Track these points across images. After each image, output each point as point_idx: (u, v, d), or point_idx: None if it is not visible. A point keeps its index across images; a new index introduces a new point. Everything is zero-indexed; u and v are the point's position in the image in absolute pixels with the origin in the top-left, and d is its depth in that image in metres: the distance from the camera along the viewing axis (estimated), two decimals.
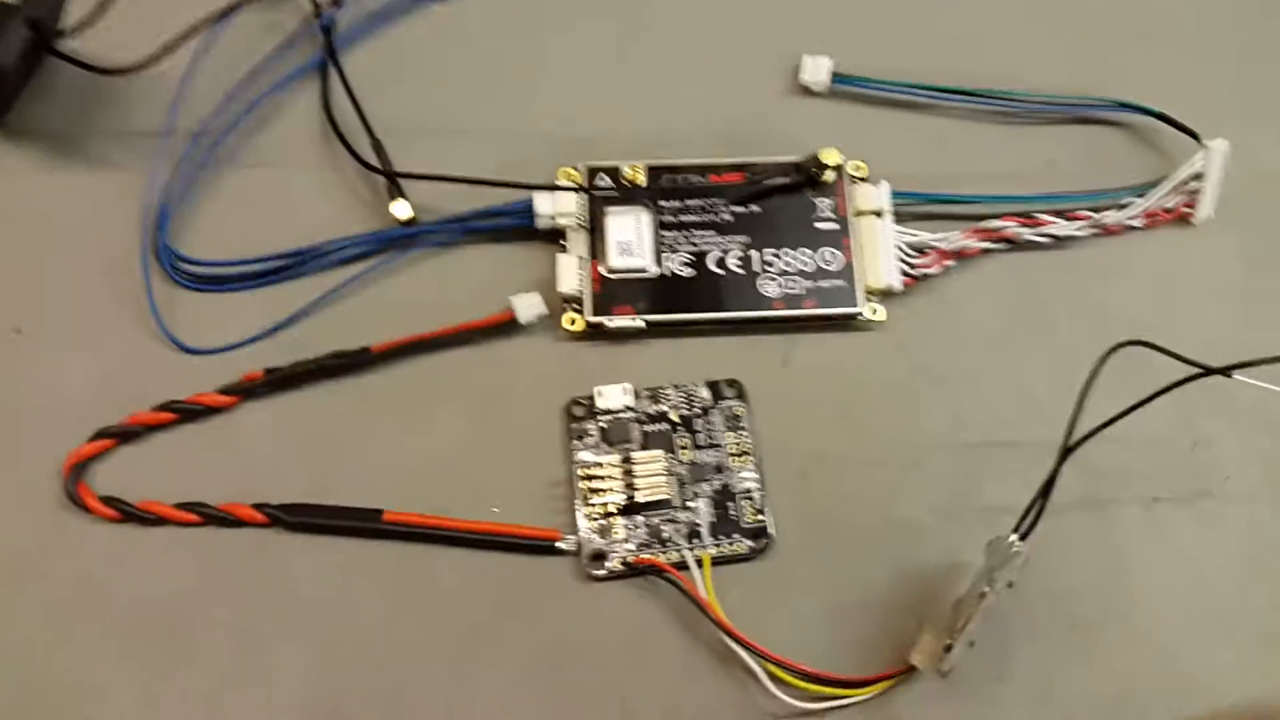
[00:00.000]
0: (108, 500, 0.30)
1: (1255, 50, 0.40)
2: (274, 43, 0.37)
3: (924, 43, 0.39)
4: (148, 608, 0.29)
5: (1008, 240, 0.35)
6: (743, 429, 0.32)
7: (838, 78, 0.37)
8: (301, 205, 0.35)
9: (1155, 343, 0.28)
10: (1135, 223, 0.35)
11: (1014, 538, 0.28)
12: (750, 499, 0.31)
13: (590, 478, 0.31)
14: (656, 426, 0.32)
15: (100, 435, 0.31)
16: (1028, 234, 0.35)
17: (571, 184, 0.34)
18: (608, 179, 0.34)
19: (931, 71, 0.38)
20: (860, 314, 0.33)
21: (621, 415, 0.32)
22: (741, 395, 0.33)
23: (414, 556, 0.30)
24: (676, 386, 0.33)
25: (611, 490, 0.31)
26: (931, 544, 0.31)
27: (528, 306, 0.33)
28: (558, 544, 0.30)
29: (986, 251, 0.35)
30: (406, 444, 0.32)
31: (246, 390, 0.32)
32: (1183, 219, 0.36)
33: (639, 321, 0.33)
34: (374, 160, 0.34)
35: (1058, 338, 0.34)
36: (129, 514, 0.30)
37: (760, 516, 0.31)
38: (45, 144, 0.35)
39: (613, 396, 0.32)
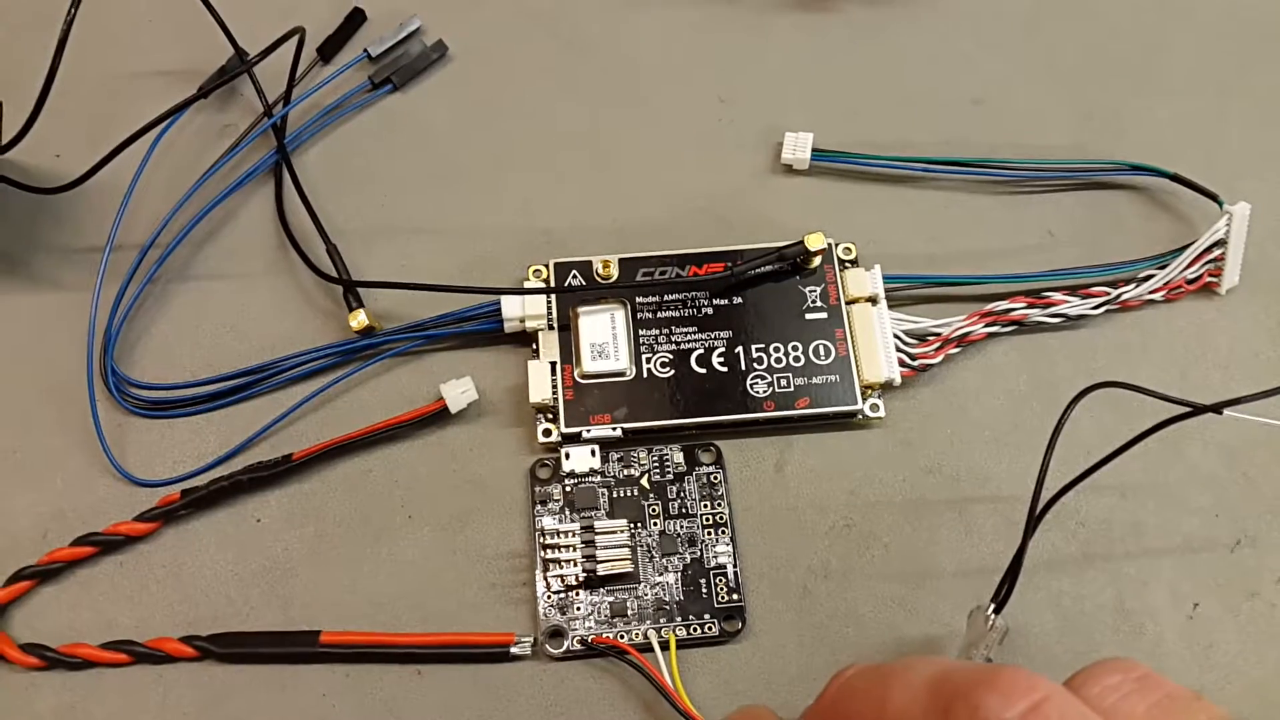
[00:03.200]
0: (29, 648, 0.28)
1: (1269, 102, 0.37)
2: (223, 146, 0.35)
3: (913, 111, 0.36)
4: None
5: (1016, 323, 0.32)
6: (719, 498, 0.30)
7: (819, 154, 0.34)
8: (257, 318, 0.33)
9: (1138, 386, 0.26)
10: (1155, 296, 0.33)
11: (991, 608, 0.26)
12: (724, 575, 0.29)
13: (551, 547, 0.29)
14: (625, 491, 0.30)
15: (16, 577, 0.29)
16: (1038, 315, 0.32)
17: (540, 284, 0.32)
18: (579, 276, 0.32)
19: (920, 144, 0.35)
20: (859, 412, 0.31)
21: (588, 480, 0.30)
22: (719, 461, 0.31)
23: (358, 676, 0.28)
24: (649, 450, 0.31)
25: (574, 562, 0.29)
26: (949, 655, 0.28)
27: (460, 394, 0.31)
28: (512, 648, 0.28)
29: (992, 336, 0.32)
30: (345, 553, 0.30)
31: (165, 515, 0.30)
32: (1206, 289, 0.33)
33: (617, 431, 0.30)
34: (330, 267, 0.32)
35: (1078, 428, 0.31)
36: (53, 660, 0.28)
37: (735, 596, 0.29)
38: None
39: (580, 459, 0.30)
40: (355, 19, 0.36)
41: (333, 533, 0.30)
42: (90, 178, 0.32)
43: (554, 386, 0.31)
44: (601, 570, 0.29)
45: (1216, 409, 0.26)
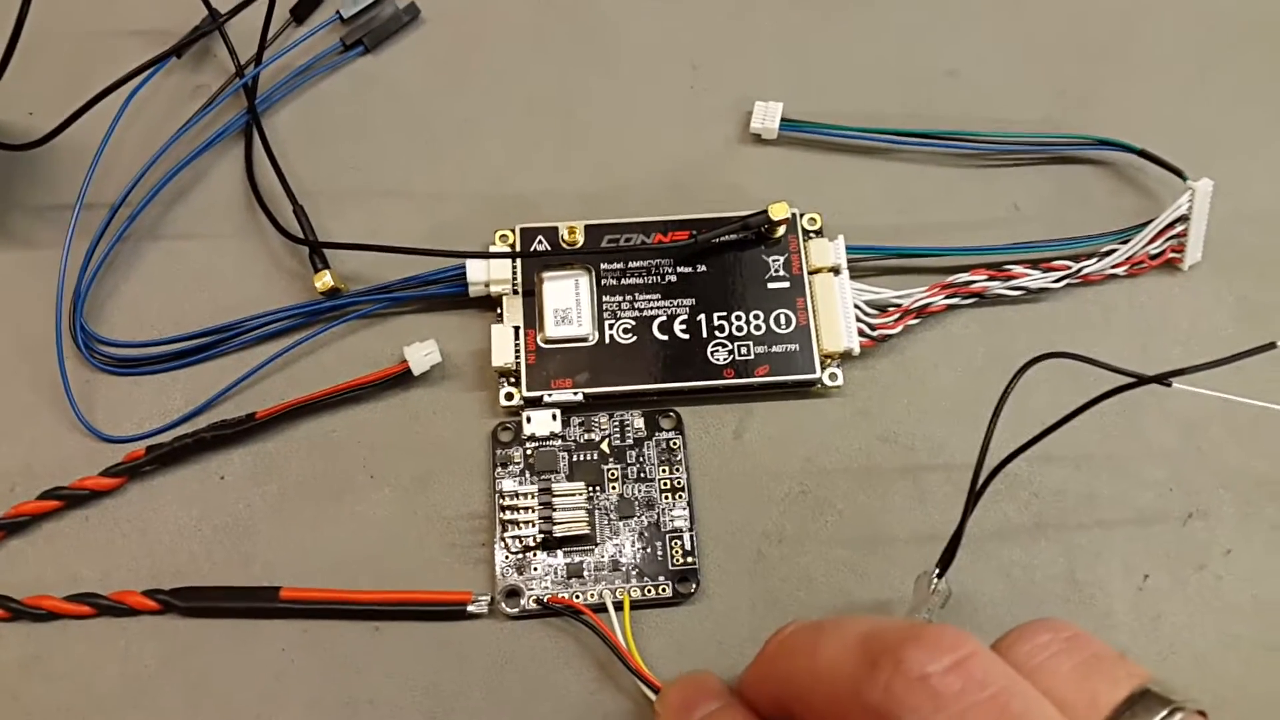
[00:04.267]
0: None
1: (1240, 82, 0.37)
2: (195, 105, 0.35)
3: (884, 84, 0.36)
4: (45, 708, 0.28)
5: (976, 295, 0.32)
6: (678, 463, 0.31)
7: (787, 123, 0.34)
8: (224, 278, 0.33)
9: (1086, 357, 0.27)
10: (1118, 271, 0.33)
11: (935, 572, 0.27)
12: (679, 539, 0.30)
13: (510, 508, 0.30)
14: (585, 455, 0.31)
15: None
16: (998, 287, 0.32)
17: (505, 249, 0.32)
18: (544, 241, 0.33)
19: (893, 115, 0.35)
20: (818, 381, 0.31)
21: (549, 443, 0.31)
22: (678, 427, 0.31)
23: (317, 631, 0.29)
24: (610, 415, 0.31)
25: (531, 524, 0.29)
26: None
27: (421, 356, 0.31)
28: (469, 607, 0.29)
29: (952, 308, 0.32)
30: (306, 512, 0.30)
31: (130, 470, 0.30)
32: (1168, 264, 0.33)
33: (578, 395, 0.31)
34: (297, 229, 0.33)
35: (1033, 399, 0.31)
36: (18, 612, 0.29)
37: (689, 559, 0.29)
38: None
39: (541, 422, 0.31)
40: None
41: (295, 491, 0.30)
42: (60, 133, 0.32)
43: (516, 351, 0.31)
44: (558, 532, 0.29)
45: (1163, 380, 0.26)
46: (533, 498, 0.30)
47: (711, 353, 0.31)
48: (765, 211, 0.32)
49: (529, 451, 0.31)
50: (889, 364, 0.32)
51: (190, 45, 0.34)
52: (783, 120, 0.34)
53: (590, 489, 0.30)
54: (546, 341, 0.31)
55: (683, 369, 0.31)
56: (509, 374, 0.31)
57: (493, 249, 0.32)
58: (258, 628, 0.29)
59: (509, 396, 0.31)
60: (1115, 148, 0.34)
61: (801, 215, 0.33)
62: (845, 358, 0.32)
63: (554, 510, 0.30)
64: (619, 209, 0.34)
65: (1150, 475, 0.31)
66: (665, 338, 0.32)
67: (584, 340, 0.31)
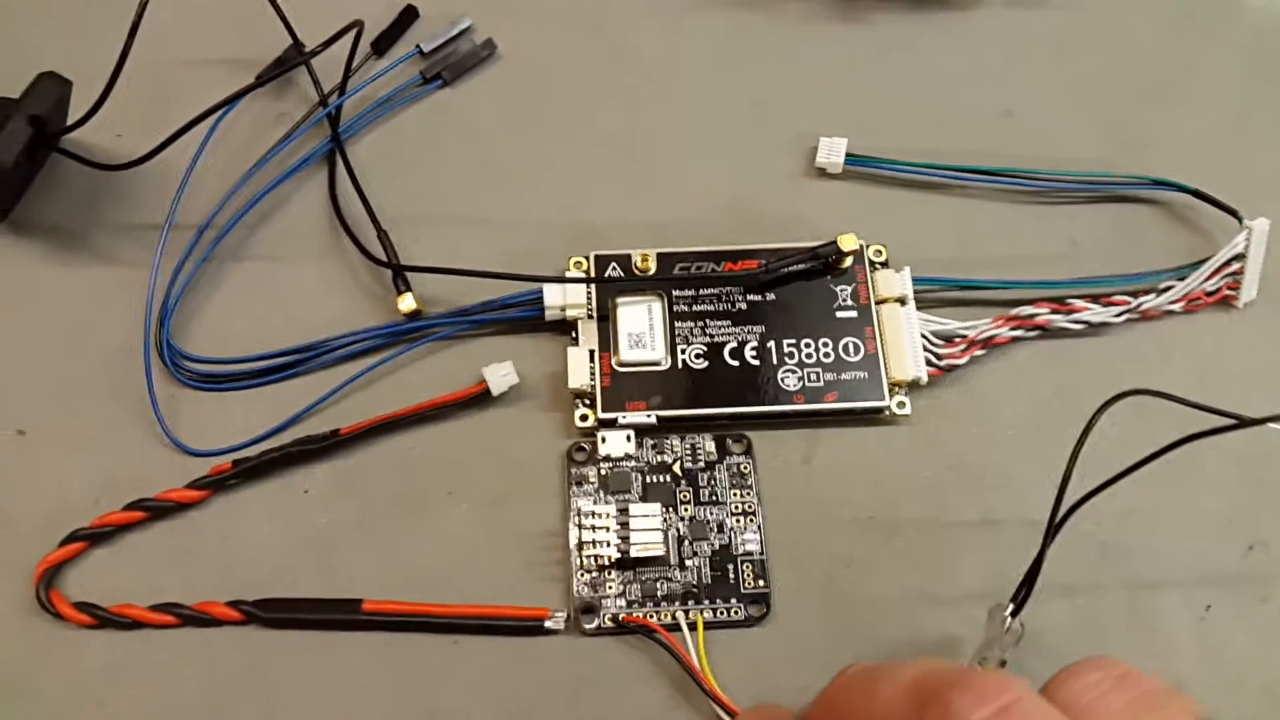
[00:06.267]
0: (81, 606, 0.29)
1: None
2: (279, 132, 0.36)
3: (941, 123, 0.38)
4: (129, 715, 0.28)
5: (1040, 328, 0.33)
6: (748, 487, 0.31)
7: (852, 158, 0.36)
8: (307, 299, 0.34)
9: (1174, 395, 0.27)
10: (1174, 307, 0.34)
11: (1009, 609, 0.27)
12: (751, 562, 0.30)
13: (586, 527, 0.30)
14: (658, 477, 0.31)
15: (71, 538, 0.30)
16: (1061, 320, 0.33)
17: (580, 275, 0.33)
18: (618, 268, 0.34)
19: (950, 152, 0.36)
20: (886, 408, 0.32)
21: (623, 464, 0.31)
22: (749, 451, 0.32)
23: (397, 644, 0.29)
24: (682, 438, 0.32)
25: (607, 543, 0.30)
26: (966, 651, 0.29)
27: (500, 377, 0.32)
28: (546, 623, 0.29)
29: (1016, 340, 0.33)
30: (387, 526, 0.31)
31: (216, 483, 0.31)
32: (1224, 302, 0.34)
33: (651, 418, 0.32)
34: (380, 252, 0.34)
35: (1100, 434, 0.31)
36: (103, 619, 0.29)
37: (761, 582, 0.30)
38: (49, 239, 0.35)
39: (616, 443, 0.31)
40: (408, 15, 0.38)
41: (376, 506, 0.31)
42: (154, 157, 0.33)
43: (592, 373, 0.32)
44: (634, 552, 0.30)
45: (1263, 422, 0.25)
46: (609, 517, 0.30)
47: (782, 379, 0.32)
48: (835, 242, 0.33)
49: (604, 471, 0.32)
50: (955, 394, 0.33)
51: (277, 76, 0.36)
52: (847, 155, 0.36)
53: (664, 510, 0.31)
54: (621, 365, 0.32)
55: (753, 394, 0.32)
56: (584, 396, 0.32)
57: (567, 275, 0.34)
58: (339, 640, 0.29)
59: (584, 418, 0.32)
60: (1170, 188, 0.35)
61: (867, 247, 0.34)
62: (913, 386, 0.32)
63: (630, 530, 0.30)
64: (686, 238, 0.35)
65: (1209, 506, 0.32)
66: (736, 363, 0.32)
67: (657, 364, 0.32)
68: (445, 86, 0.37)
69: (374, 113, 0.37)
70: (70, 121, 0.33)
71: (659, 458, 0.32)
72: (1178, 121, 0.38)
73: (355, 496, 0.31)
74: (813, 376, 0.32)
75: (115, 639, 0.29)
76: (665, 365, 0.32)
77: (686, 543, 0.31)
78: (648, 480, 0.31)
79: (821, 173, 0.36)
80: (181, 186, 0.34)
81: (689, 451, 0.32)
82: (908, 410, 0.32)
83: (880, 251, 0.34)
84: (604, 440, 0.32)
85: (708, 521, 0.31)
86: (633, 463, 0.32)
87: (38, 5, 0.40)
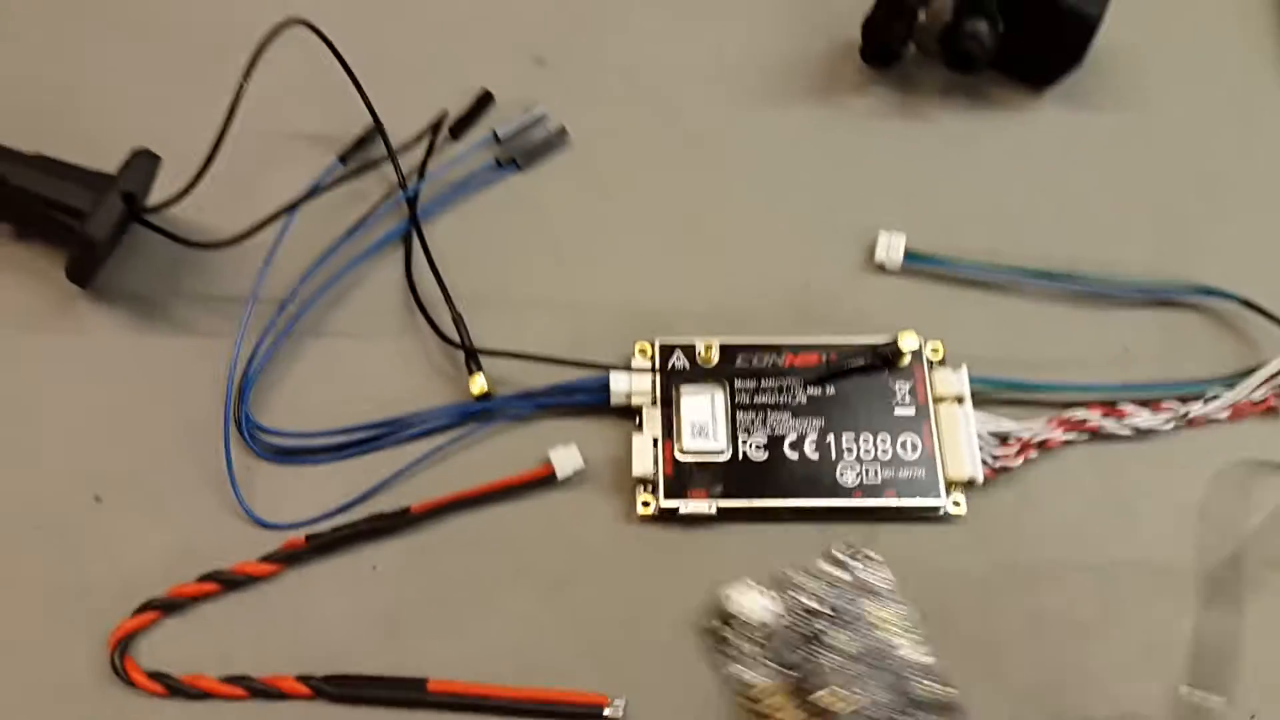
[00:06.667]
0: (154, 675, 0.30)
1: None
2: (358, 212, 0.37)
3: (999, 220, 0.39)
4: None
5: (1091, 431, 0.34)
6: (894, 597, 0.31)
7: (911, 256, 0.37)
8: (382, 377, 0.35)
9: None
10: (1221, 415, 0.35)
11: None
12: (931, 671, 0.30)
13: (758, 699, 0.30)
14: (811, 626, 0.31)
15: (145, 608, 0.31)
16: (1112, 426, 0.34)
17: (645, 361, 0.34)
18: (682, 356, 0.35)
19: (1010, 249, 0.38)
20: (942, 507, 0.33)
21: (769, 625, 0.31)
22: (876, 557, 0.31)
23: None
24: (806, 571, 0.32)
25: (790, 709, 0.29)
26: None
27: (566, 460, 0.33)
28: (605, 711, 0.30)
29: (1068, 443, 0.34)
30: (454, 605, 0.32)
31: (289, 558, 0.32)
32: (1270, 411, 0.35)
33: (712, 508, 0.32)
34: (454, 333, 0.35)
35: (1140, 533, 0.33)
36: (175, 689, 0.30)
37: (949, 689, 0.30)
38: (131, 308, 0.36)
39: (750, 606, 0.31)
40: (484, 100, 0.39)
41: (444, 584, 0.32)
42: (247, 239, 0.34)
43: (655, 460, 0.33)
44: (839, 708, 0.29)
45: None
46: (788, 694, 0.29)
47: (840, 473, 0.33)
48: (895, 341, 0.34)
49: (760, 641, 0.30)
50: (1009, 494, 0.34)
51: (365, 170, 0.37)
52: (906, 252, 0.37)
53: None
54: (683, 453, 0.33)
55: (813, 487, 0.33)
56: (647, 482, 0.33)
57: (634, 360, 0.35)
58: (405, 718, 0.30)
59: (645, 504, 0.33)
60: (1219, 296, 0.36)
61: (925, 344, 0.35)
62: (969, 486, 0.33)
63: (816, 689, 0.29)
64: (746, 326, 0.36)
65: (1257, 617, 0.32)
66: (796, 456, 0.33)
67: (719, 454, 0.33)
68: (519, 171, 0.39)
69: (449, 195, 0.38)
70: (157, 201, 0.35)
71: (798, 601, 0.31)
72: (1231, 227, 0.39)
73: (424, 573, 0.32)
74: (871, 472, 0.33)
75: (186, 709, 0.30)
76: (726, 455, 0.33)
77: (865, 680, 0.29)
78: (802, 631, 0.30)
79: (880, 268, 0.37)
80: (265, 264, 0.35)
81: (826, 585, 0.31)
82: (963, 510, 0.33)
83: (937, 349, 0.35)
84: (737, 605, 0.30)
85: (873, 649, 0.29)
86: (775, 618, 0.30)
87: (123, 76, 0.41)
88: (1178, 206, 0.40)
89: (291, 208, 0.33)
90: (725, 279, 0.37)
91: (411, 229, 0.36)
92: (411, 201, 0.37)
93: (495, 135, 0.39)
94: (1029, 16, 0.38)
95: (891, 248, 0.37)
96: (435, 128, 0.36)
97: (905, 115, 0.41)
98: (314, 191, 0.34)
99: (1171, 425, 0.34)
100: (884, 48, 0.40)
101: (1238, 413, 0.35)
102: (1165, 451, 0.35)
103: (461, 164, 0.39)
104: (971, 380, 0.34)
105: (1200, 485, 0.34)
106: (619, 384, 0.34)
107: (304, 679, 0.30)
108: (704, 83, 0.42)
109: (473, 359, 0.34)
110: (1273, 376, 0.34)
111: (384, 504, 0.33)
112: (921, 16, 0.39)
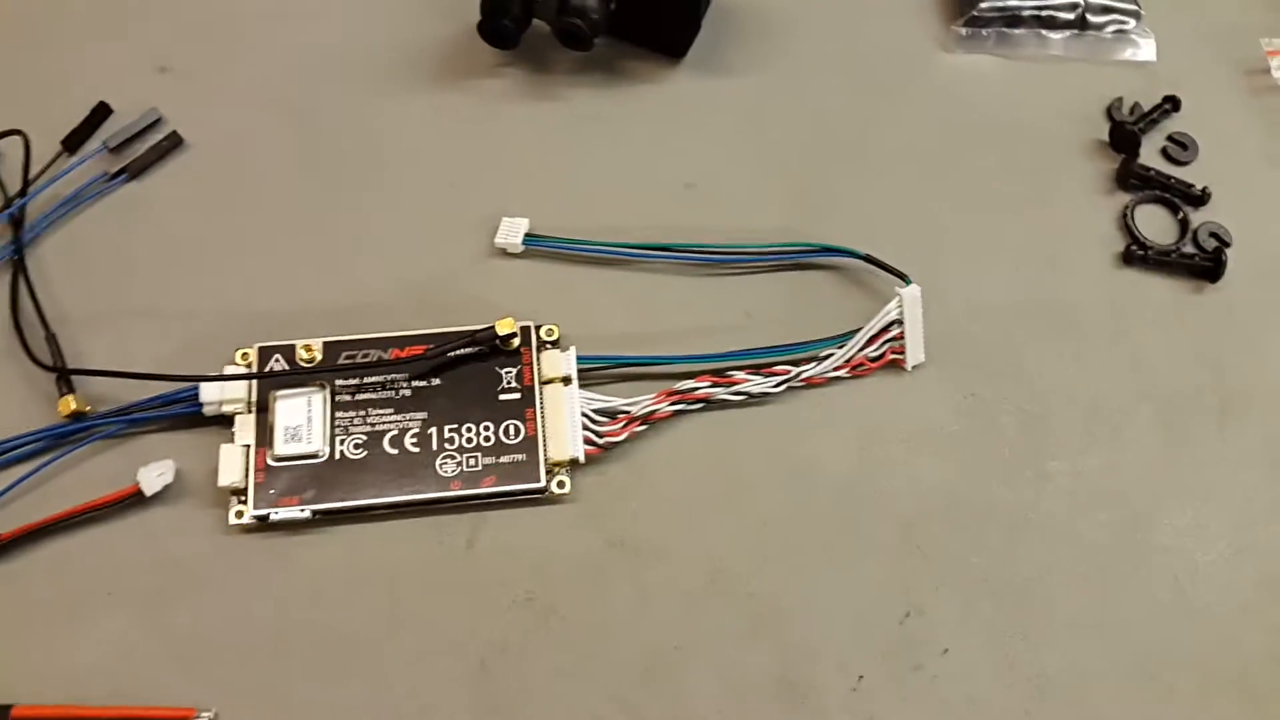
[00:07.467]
0: None
1: (966, 193, 0.38)
2: None
3: (629, 197, 0.38)
4: None
5: (702, 401, 0.34)
6: None
7: (531, 238, 0.36)
8: None
9: None
10: (840, 374, 0.34)
11: None
12: None
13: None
14: None
15: None
16: (722, 393, 0.33)
17: (244, 368, 0.33)
18: (281, 359, 0.33)
19: (635, 227, 0.37)
20: (545, 489, 0.32)
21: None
22: None
23: None
24: None
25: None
26: None
27: (156, 478, 0.32)
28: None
29: (680, 413, 0.34)
30: (43, 630, 0.30)
31: None
32: (894, 365, 0.35)
33: (305, 513, 0.31)
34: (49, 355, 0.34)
35: (756, 498, 0.33)
36: None
37: None
38: None
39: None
40: (100, 112, 0.38)
41: (34, 610, 0.31)
42: None
43: (246, 469, 0.32)
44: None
45: None
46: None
47: (440, 465, 0.32)
48: (492, 327, 0.33)
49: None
50: (620, 469, 0.33)
51: None
52: (526, 235, 0.36)
53: None
54: (276, 459, 0.32)
55: (411, 482, 0.32)
56: (240, 492, 0.32)
57: (230, 368, 0.33)
58: None
59: (239, 514, 0.32)
60: (843, 254, 0.36)
61: (539, 327, 0.34)
62: (572, 465, 0.33)
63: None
64: (369, 324, 0.35)
65: (869, 573, 0.32)
66: (395, 451, 0.33)
67: (314, 457, 0.32)
68: (131, 180, 0.38)
69: (60, 211, 0.37)
70: None
71: None
72: (859, 190, 0.39)
73: (12, 602, 0.31)
74: (471, 461, 0.32)
75: None
76: (323, 457, 0.32)
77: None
78: None
79: (503, 253, 0.37)
80: None
81: None
82: (568, 490, 0.32)
83: (552, 331, 0.35)
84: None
85: None
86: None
87: None
88: (807, 173, 0.39)
89: None
90: (345, 277, 0.36)
91: (15, 252, 0.35)
92: (16, 220, 0.36)
93: (105, 145, 0.37)
94: None
95: (512, 232, 0.36)
96: (26, 145, 0.34)
97: (538, 96, 0.40)
98: None
99: (783, 388, 0.34)
100: (500, 26, 0.38)
101: (858, 369, 0.34)
102: (782, 414, 0.34)
103: (72, 178, 0.37)
104: (583, 359, 0.34)
105: (823, 446, 0.34)
106: (209, 394, 0.33)
107: None
108: (329, 81, 0.40)
109: (64, 380, 0.33)
110: (883, 331, 0.34)
111: None
112: None
